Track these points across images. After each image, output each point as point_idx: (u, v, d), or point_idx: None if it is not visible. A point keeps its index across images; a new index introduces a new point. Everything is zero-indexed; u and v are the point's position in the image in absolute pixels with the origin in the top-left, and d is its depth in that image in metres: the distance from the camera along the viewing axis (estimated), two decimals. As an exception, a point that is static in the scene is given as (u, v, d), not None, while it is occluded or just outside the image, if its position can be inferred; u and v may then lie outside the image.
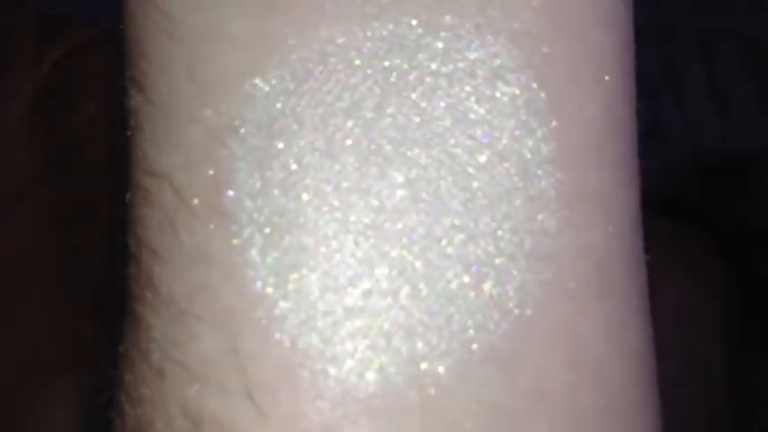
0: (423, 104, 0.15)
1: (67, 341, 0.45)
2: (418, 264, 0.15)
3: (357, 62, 0.15)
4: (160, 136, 0.16)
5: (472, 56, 0.15)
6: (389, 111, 0.15)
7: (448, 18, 0.15)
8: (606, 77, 0.16)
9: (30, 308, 0.46)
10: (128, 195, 0.17)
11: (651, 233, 0.47)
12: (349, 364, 0.14)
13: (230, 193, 0.15)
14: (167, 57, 0.16)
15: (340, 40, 0.15)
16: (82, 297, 0.45)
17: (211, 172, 0.15)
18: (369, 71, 0.15)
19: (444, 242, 0.15)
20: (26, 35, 0.54)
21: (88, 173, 0.48)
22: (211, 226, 0.15)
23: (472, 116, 0.15)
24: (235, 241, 0.15)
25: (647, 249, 0.51)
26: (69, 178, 0.48)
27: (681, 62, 0.69)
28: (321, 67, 0.15)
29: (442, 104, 0.15)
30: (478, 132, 0.15)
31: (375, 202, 0.15)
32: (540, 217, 0.15)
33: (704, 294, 0.49)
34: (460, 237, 0.15)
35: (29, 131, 0.50)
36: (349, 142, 0.15)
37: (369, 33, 0.15)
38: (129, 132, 0.17)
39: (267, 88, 0.15)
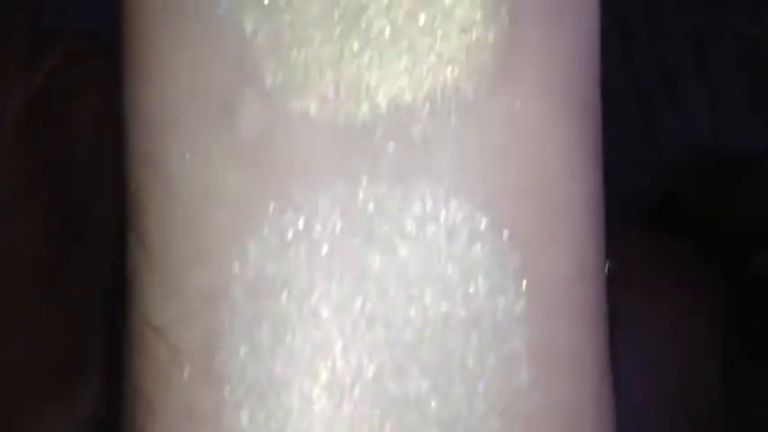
0: (402, 266, 0.16)
1: (57, 357, 0.46)
2: (397, 426, 0.16)
3: (339, 226, 0.16)
4: (156, 288, 0.17)
5: (450, 220, 0.16)
6: (372, 270, 0.16)
7: (424, 183, 0.16)
8: (578, 231, 0.17)
9: (27, 314, 0.47)
10: (125, 341, 0.18)
11: (647, 249, 0.46)
12: None
13: (222, 353, 0.16)
14: (163, 213, 0.17)
15: (323, 200, 0.16)
16: (77, 304, 0.46)
17: (204, 331, 0.16)
18: (350, 233, 0.16)
19: (422, 405, 0.16)
20: (21, 44, 0.54)
21: (80, 180, 0.49)
22: (204, 385, 0.16)
23: (449, 277, 0.16)
24: (225, 402, 0.16)
25: (646, 270, 0.51)
26: (62, 185, 0.49)
27: (674, 62, 0.70)
28: (305, 227, 0.16)
29: (421, 267, 0.16)
30: (456, 295, 0.16)
31: (356, 364, 0.16)
32: (512, 376, 0.16)
33: (701, 311, 0.49)
34: (437, 399, 0.16)
35: (23, 137, 0.50)
36: (331, 306, 0.16)
37: (349, 194, 0.16)
38: (128, 273, 0.18)
39: (258, 250, 0.16)
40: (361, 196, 0.16)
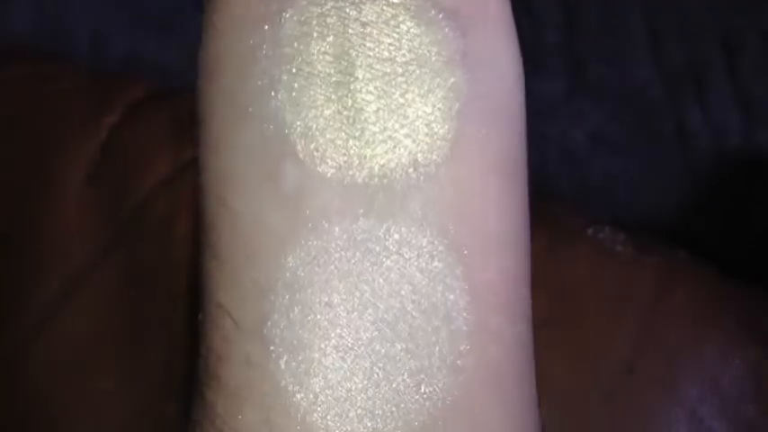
0: (379, 280, 0.26)
1: (145, 416, 0.50)
2: (381, 372, 0.26)
3: (346, 244, 0.26)
4: (225, 283, 0.27)
5: (417, 242, 0.26)
6: (363, 282, 0.26)
7: (402, 218, 0.27)
8: (505, 242, 0.28)
9: (105, 385, 0.51)
10: (200, 315, 0.27)
11: (721, 301, 0.48)
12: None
13: (269, 324, 0.26)
14: (230, 235, 0.27)
15: (337, 230, 0.26)
16: (153, 371, 0.51)
17: (258, 312, 0.26)
18: (353, 249, 0.26)
19: (397, 358, 0.26)
20: (80, 99, 0.58)
21: (151, 243, 0.52)
22: (256, 344, 0.26)
23: (417, 282, 0.26)
24: (271, 355, 0.26)
25: (717, 313, 0.51)
26: (133, 249, 0.53)
27: (704, 61, 0.75)
28: (325, 255, 0.26)
29: (397, 274, 0.26)
30: (418, 302, 0.26)
31: (352, 339, 0.26)
32: (457, 346, 0.26)
33: None
34: (408, 355, 0.26)
35: (89, 203, 0.54)
36: (340, 300, 0.26)
37: (352, 228, 0.26)
38: (203, 269, 0.28)
39: (293, 262, 0.26)
40: (360, 230, 0.27)
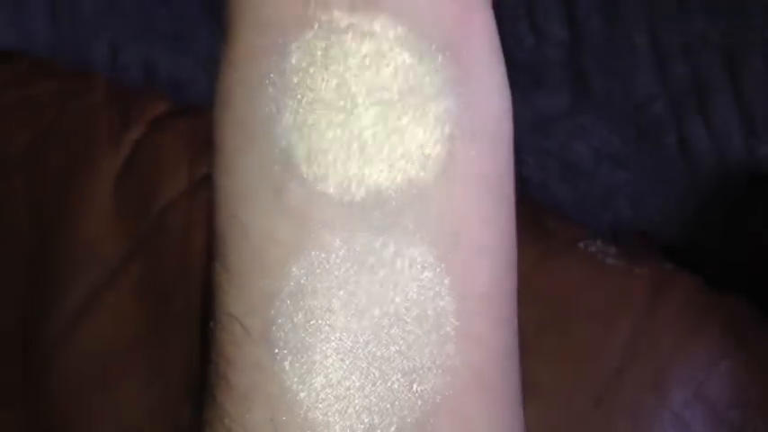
0: (375, 288, 0.28)
1: (163, 421, 0.51)
2: (377, 372, 0.28)
3: (345, 255, 0.29)
4: (234, 292, 0.29)
5: (410, 255, 0.29)
6: (361, 290, 0.29)
7: (397, 233, 0.29)
8: (492, 247, 0.30)
9: (125, 391, 0.53)
10: (210, 323, 0.30)
11: (709, 310, 0.50)
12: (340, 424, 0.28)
13: (274, 328, 0.28)
14: (239, 248, 0.29)
15: (338, 243, 0.29)
16: (171, 377, 0.52)
17: (264, 318, 0.29)
18: (352, 260, 0.29)
19: (392, 359, 0.28)
20: (105, 115, 0.60)
21: (169, 253, 0.54)
22: (263, 348, 0.28)
23: (409, 291, 0.29)
24: (276, 357, 0.28)
25: (703, 326, 0.53)
26: (152, 260, 0.55)
27: (706, 76, 0.77)
28: (326, 265, 0.29)
29: (391, 286, 0.29)
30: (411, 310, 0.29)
31: (350, 342, 0.28)
32: (445, 349, 0.28)
33: (758, 371, 0.52)
34: (401, 357, 0.28)
35: (114, 213, 0.56)
36: (340, 305, 0.29)
37: (352, 239, 0.28)
38: (215, 281, 0.30)
39: (297, 271, 0.29)
40: (358, 243, 0.29)
